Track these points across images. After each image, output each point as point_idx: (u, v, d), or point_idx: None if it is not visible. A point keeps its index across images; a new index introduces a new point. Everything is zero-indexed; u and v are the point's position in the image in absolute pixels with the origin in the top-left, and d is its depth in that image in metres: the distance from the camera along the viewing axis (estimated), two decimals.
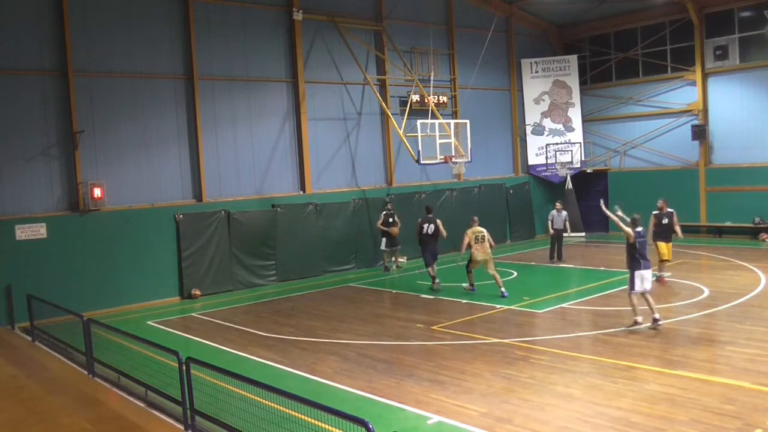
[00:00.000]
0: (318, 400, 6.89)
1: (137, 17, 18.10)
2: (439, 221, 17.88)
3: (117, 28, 17.75)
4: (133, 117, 18.00)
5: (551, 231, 21.08)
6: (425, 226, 17.73)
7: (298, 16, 20.76)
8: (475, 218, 17.08)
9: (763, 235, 23.25)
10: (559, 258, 20.90)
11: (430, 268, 17.51)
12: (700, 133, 24.84)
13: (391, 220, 20.80)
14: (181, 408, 8.50)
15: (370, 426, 5.49)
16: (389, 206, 21.30)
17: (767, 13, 23.27)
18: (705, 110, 25.05)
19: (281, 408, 7.64)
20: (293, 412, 7.45)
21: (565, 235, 21.35)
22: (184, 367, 8.33)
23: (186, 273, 18.35)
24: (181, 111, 18.84)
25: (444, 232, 17.79)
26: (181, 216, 18.36)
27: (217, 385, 9.02)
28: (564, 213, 21.09)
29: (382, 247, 20.97)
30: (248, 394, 8.27)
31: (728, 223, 24.50)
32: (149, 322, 15.58)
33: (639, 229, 12.75)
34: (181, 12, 18.83)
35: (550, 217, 21.23)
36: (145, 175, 18.18)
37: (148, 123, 18.25)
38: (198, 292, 18.35)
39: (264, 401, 7.84)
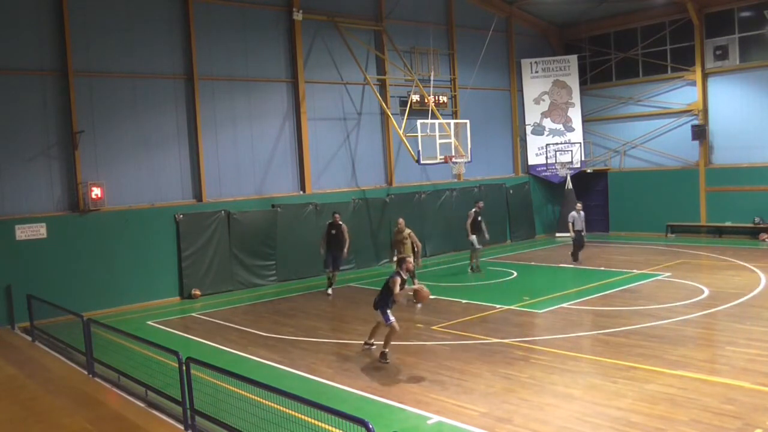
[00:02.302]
0: (318, 400, 6.90)
1: (137, 17, 18.10)
2: (344, 226, 18.00)
3: (117, 28, 17.76)
4: (133, 117, 18.00)
5: (573, 233, 20.48)
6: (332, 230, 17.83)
7: (298, 16, 20.76)
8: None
9: (763, 235, 23.25)
10: (575, 260, 20.58)
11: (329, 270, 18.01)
12: (700, 133, 24.85)
13: (479, 218, 19.92)
14: (181, 408, 8.50)
15: (370, 426, 5.50)
16: (480, 205, 20.37)
17: (767, 13, 23.28)
18: (705, 110, 25.06)
19: (281, 408, 7.65)
20: (293, 412, 7.46)
21: (565, 235, 21.13)
22: (184, 367, 8.34)
23: (186, 273, 18.35)
24: (181, 111, 18.83)
25: (347, 239, 17.87)
26: (181, 216, 18.36)
27: (217, 385, 9.03)
28: (582, 213, 20.61)
29: (477, 245, 19.89)
30: (248, 394, 8.28)
31: (728, 223, 24.51)
32: (149, 322, 15.57)
33: (405, 276, 11.70)
34: (181, 12, 18.83)
35: (570, 219, 20.55)
36: (145, 175, 18.18)
37: (148, 123, 18.25)
38: (198, 292, 18.34)
39: (264, 401, 7.84)
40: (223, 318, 15.65)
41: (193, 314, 16.41)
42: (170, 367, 9.33)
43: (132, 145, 17.97)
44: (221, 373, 8.16)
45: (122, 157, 17.81)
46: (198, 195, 19.03)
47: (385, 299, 11.49)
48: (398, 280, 11.38)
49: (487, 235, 20.28)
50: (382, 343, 11.41)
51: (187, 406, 8.39)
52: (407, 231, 17.05)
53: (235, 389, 8.61)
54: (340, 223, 17.89)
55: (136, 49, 18.05)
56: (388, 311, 11.42)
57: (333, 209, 21.11)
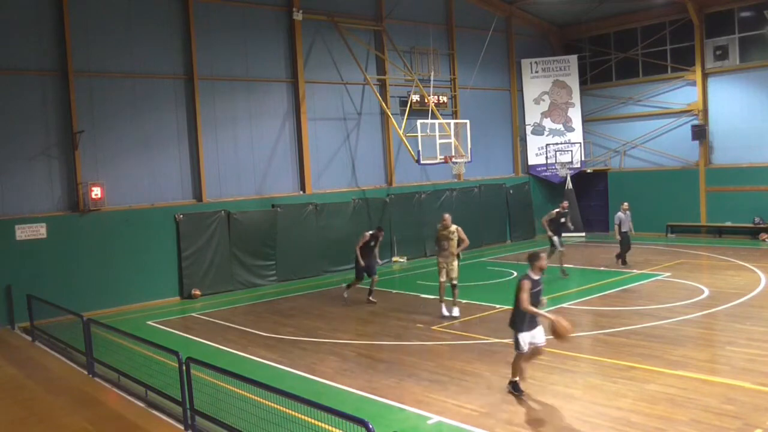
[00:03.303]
0: (318, 400, 6.90)
1: (137, 17, 18.10)
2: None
3: (117, 28, 17.76)
4: (133, 117, 18.01)
5: (619, 235, 19.45)
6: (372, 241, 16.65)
7: (298, 16, 20.76)
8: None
9: (763, 235, 23.26)
10: (624, 263, 19.57)
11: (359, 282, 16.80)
12: (700, 133, 24.86)
13: (563, 220, 18.79)
14: (181, 408, 8.50)
15: (370, 426, 5.50)
16: (565, 205, 19.34)
17: (767, 13, 23.28)
18: (705, 110, 25.07)
19: (281, 408, 7.64)
20: (293, 412, 7.45)
21: (567, 235, 20.61)
22: (184, 367, 8.33)
23: (186, 273, 18.36)
24: (181, 111, 18.84)
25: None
26: (181, 216, 18.36)
27: (217, 385, 9.02)
28: (629, 213, 19.61)
29: (560, 247, 18.56)
30: (248, 394, 8.27)
31: (728, 223, 24.51)
32: (149, 322, 15.58)
33: (536, 277, 9.16)
34: (181, 12, 18.83)
35: (617, 220, 19.47)
36: (145, 175, 18.18)
37: (148, 123, 18.26)
38: (198, 292, 18.35)
39: (264, 401, 7.84)
40: (223, 318, 15.66)
41: (193, 314, 16.42)
42: (170, 367, 9.33)
43: (132, 145, 17.98)
44: (221, 373, 8.16)
45: (122, 157, 17.81)
46: (198, 195, 19.03)
47: (518, 315, 9.11)
48: (526, 285, 8.95)
49: (570, 226, 19.14)
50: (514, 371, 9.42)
51: (187, 406, 8.39)
52: (454, 227, 14.91)
53: (235, 389, 8.61)
54: (380, 236, 16.83)
55: (136, 49, 18.06)
56: (520, 335, 9.09)
57: (333, 209, 21.20)
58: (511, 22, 27.43)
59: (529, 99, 28.01)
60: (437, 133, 19.96)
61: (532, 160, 27.96)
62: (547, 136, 27.91)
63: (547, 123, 28.01)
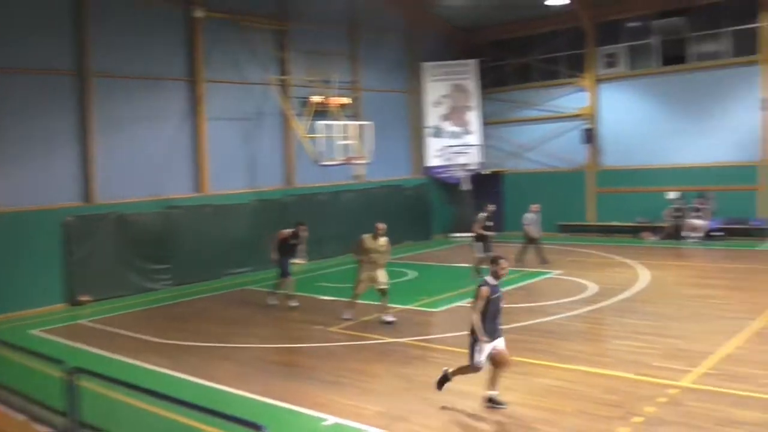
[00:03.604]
0: (214, 406, 6.72)
1: (26, 10, 17.06)
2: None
3: (3, 20, 16.69)
4: (19, 114, 16.91)
5: (532, 236, 19.92)
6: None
7: (198, 13, 20.21)
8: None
9: (645, 234, 24.64)
10: (520, 261, 19.69)
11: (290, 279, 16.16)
12: (590, 136, 26.13)
13: (489, 224, 18.43)
14: (67, 421, 8.09)
15: (265, 429, 5.43)
16: (490, 208, 18.88)
17: (654, 24, 24.70)
18: (595, 115, 26.35)
19: (175, 416, 7.44)
20: (188, 420, 7.27)
21: (455, 235, 20.76)
22: (69, 378, 7.94)
23: (74, 278, 17.47)
24: (72, 109, 17.93)
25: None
26: (70, 218, 17.51)
27: (106, 395, 8.66)
28: (537, 215, 19.97)
29: (479, 254, 17.92)
30: (140, 404, 8.00)
31: (614, 223, 25.81)
32: (33, 331, 14.73)
33: (495, 282, 8.77)
34: (75, 5, 17.92)
35: (527, 221, 19.86)
36: (32, 175, 17.13)
37: (36, 121, 17.23)
38: (87, 298, 17.52)
39: (156, 410, 7.61)
40: (113, 324, 15.03)
41: (81, 321, 15.67)
42: (55, 377, 8.87)
43: (18, 145, 16.91)
44: (111, 382, 7.82)
45: (7, 157, 16.75)
46: (89, 196, 18.19)
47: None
48: (484, 292, 8.51)
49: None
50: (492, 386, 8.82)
51: (74, 418, 7.99)
52: (385, 239, 13.78)
53: (126, 399, 8.30)
54: (304, 234, 16.35)
55: (25, 43, 17.01)
56: (477, 346, 8.54)
57: (232, 210, 20.79)
58: (414, 25, 27.73)
59: (429, 102, 28.44)
60: (338, 135, 20.03)
61: (431, 161, 28.42)
62: (446, 138, 28.42)
63: (447, 125, 28.54)
